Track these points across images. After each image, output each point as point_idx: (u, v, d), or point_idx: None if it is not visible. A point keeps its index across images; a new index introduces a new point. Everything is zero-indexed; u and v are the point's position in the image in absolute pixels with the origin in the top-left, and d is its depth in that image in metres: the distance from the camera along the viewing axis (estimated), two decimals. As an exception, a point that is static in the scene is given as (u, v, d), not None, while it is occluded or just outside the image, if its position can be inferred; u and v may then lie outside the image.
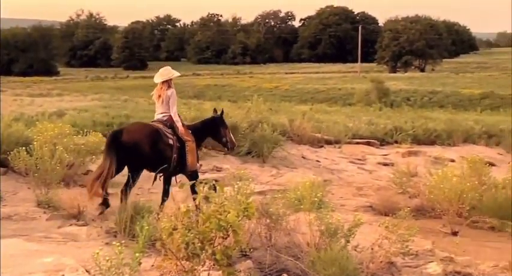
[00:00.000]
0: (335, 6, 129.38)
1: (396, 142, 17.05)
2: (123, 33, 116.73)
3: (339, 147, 15.47)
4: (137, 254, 4.09)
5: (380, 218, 8.02)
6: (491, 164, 13.16)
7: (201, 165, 8.70)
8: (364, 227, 6.68)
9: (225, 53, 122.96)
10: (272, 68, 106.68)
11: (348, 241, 5.83)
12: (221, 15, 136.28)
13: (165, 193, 7.65)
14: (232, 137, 8.40)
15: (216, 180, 6.49)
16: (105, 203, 7.36)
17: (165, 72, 7.95)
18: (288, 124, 15.29)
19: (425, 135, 17.79)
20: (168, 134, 7.50)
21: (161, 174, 7.57)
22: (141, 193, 7.46)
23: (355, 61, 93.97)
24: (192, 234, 3.93)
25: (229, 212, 3.86)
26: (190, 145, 7.71)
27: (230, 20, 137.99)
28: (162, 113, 7.79)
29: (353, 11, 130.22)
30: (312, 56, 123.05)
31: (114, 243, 4.21)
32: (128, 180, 7.31)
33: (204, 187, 4.14)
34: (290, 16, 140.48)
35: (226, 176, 9.36)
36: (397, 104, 42.01)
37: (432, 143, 17.65)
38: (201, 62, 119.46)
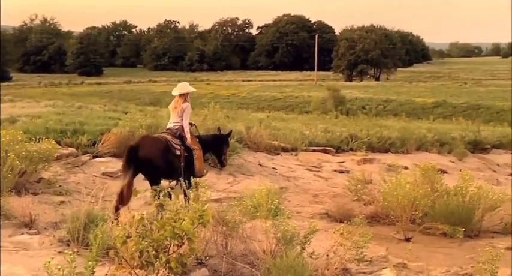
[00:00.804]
0: (292, 14, 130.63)
1: (351, 150, 17.23)
2: (78, 38, 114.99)
3: (296, 155, 15.54)
4: (90, 263, 4.01)
5: (335, 224, 8.09)
6: (444, 172, 13.49)
7: (207, 171, 9.33)
8: (319, 234, 6.72)
9: (182, 60, 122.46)
10: (229, 75, 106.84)
11: (304, 248, 5.86)
12: (178, 22, 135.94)
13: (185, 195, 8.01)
14: (227, 157, 9.46)
15: (171, 188, 6.45)
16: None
17: (183, 86, 8.84)
18: (244, 131, 15.27)
19: (379, 143, 18.04)
20: (175, 145, 8.21)
21: (172, 180, 8.26)
22: (94, 201, 7.33)
23: (312, 69, 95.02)
24: (146, 242, 3.88)
25: (184, 220, 3.82)
26: (198, 153, 8.49)
27: (187, 26, 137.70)
28: (174, 123, 8.57)
29: (310, 19, 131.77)
30: (269, 64, 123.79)
31: (66, 251, 4.12)
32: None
33: (159, 195, 4.09)
34: (247, 24, 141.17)
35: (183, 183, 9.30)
36: (352, 112, 42.61)
37: (386, 150, 17.90)
38: (158, 69, 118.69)
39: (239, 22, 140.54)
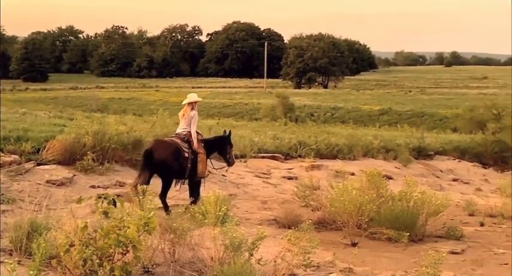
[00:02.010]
0: (242, 22, 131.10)
1: (300, 156, 17.40)
2: (22, 43, 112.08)
3: (245, 162, 15.57)
4: (32, 272, 3.90)
5: (284, 231, 8.13)
6: (389, 177, 13.79)
7: (208, 174, 10.30)
8: (268, 240, 6.75)
9: (130, 66, 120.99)
10: (179, 82, 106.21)
11: (252, 254, 5.86)
12: (126, 28, 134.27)
13: (196, 195, 9.44)
14: (233, 155, 10.38)
15: (119, 196, 6.36)
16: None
17: (192, 96, 9.86)
18: (193, 138, 15.21)
19: (327, 149, 18.29)
20: (184, 149, 9.28)
21: (179, 180, 9.51)
22: (38, 209, 7.15)
23: (262, 76, 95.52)
24: (89, 251, 3.80)
25: (128, 227, 3.77)
26: (202, 157, 9.50)
27: (136, 32, 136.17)
28: (182, 129, 9.62)
29: (259, 27, 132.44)
30: (218, 71, 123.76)
31: (7, 261, 4.00)
32: (163, 188, 9.18)
33: (102, 202, 4.03)
34: (197, 30, 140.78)
35: (130, 191, 9.20)
36: (301, 119, 43.05)
37: (334, 157, 18.16)
38: (105, 75, 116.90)
39: (188, 29, 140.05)
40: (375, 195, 9.46)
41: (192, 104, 9.69)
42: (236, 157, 15.62)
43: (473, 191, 16.64)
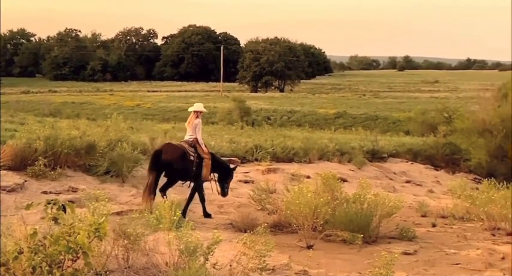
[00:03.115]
0: (198, 25, 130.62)
1: (256, 160, 17.44)
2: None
3: (201, 166, 15.50)
4: (-22, 282, 3.78)
5: (240, 234, 8.12)
6: (344, 180, 13.95)
7: (212, 178, 10.80)
8: (223, 244, 6.74)
9: (84, 70, 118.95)
10: (134, 85, 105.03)
11: (207, 259, 5.83)
12: (79, 31, 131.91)
13: (201, 197, 10.50)
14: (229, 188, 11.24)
15: (72, 202, 6.25)
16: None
17: (198, 105, 10.73)
18: (149, 143, 15.06)
19: (283, 153, 18.37)
20: (191, 153, 10.14)
21: (184, 182, 10.51)
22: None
23: (218, 80, 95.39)
24: (39, 258, 3.71)
25: (79, 233, 3.70)
26: (207, 161, 10.35)
27: (89, 35, 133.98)
28: (189, 136, 10.46)
29: (215, 31, 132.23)
30: (174, 75, 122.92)
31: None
32: (167, 184, 10.20)
33: (52, 208, 3.94)
34: (152, 34, 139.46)
35: (82, 196, 9.06)
36: (258, 123, 43.15)
37: (290, 160, 18.26)
38: (58, 79, 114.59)
39: (143, 32, 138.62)
40: (329, 197, 9.54)
41: (197, 113, 10.54)
42: (192, 161, 15.62)
43: (425, 193, 16.99)
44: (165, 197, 9.62)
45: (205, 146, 10.52)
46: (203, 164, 10.25)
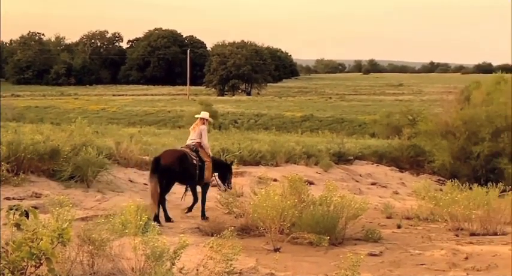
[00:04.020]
0: (163, 29, 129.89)
1: (223, 163, 17.40)
2: None
3: (167, 170, 15.39)
4: None
5: (207, 238, 8.08)
6: (310, 183, 14.05)
7: (213, 179, 11.40)
8: (190, 248, 6.70)
9: (48, 74, 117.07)
10: (99, 89, 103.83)
11: (173, 264, 5.80)
12: (43, 34, 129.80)
13: (194, 199, 11.04)
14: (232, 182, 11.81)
15: (35, 208, 6.14)
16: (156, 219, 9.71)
17: (205, 114, 11.41)
18: (114, 147, 14.91)
19: (250, 156, 18.40)
20: (192, 156, 10.64)
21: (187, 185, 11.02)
22: None
23: (184, 84, 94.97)
24: (1, 264, 3.63)
25: (42, 239, 3.64)
26: (208, 164, 10.90)
27: (53, 39, 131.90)
28: (191, 140, 11.03)
29: (181, 34, 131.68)
30: (140, 78, 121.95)
31: None
32: (164, 189, 10.44)
33: (14, 214, 3.86)
34: (117, 37, 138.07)
35: (46, 202, 8.92)
36: (225, 126, 43.11)
37: (257, 163, 18.29)
38: (21, 83, 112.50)
39: (108, 35, 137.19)
40: (296, 200, 9.59)
41: (203, 120, 11.21)
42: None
43: (390, 194, 17.21)
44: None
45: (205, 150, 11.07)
46: (205, 166, 10.81)
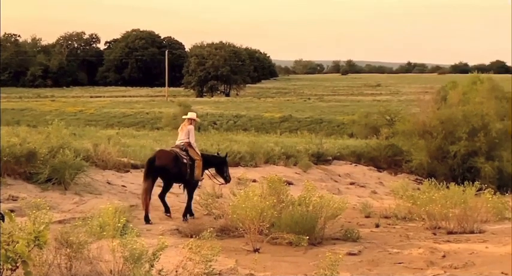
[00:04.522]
0: (141, 30, 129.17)
1: (202, 165, 17.35)
2: None
3: (146, 172, 15.30)
4: None
5: (186, 240, 8.06)
6: (289, 183, 14.07)
7: (203, 178, 11.78)
8: (169, 250, 6.69)
9: (24, 75, 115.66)
10: (76, 91, 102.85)
11: (152, 265, 5.78)
12: (19, 36, 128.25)
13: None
14: (230, 174, 12.17)
15: (12, 211, 6.08)
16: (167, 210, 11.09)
17: (192, 114, 11.81)
18: (92, 149, 14.79)
19: (230, 157, 18.34)
20: (183, 156, 11.06)
21: (180, 184, 11.42)
22: None
23: (163, 85, 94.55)
24: (-24, 269, 3.59)
25: (17, 242, 3.60)
26: (198, 163, 11.28)
27: (29, 40, 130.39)
28: (180, 140, 11.42)
29: (159, 35, 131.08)
30: (118, 80, 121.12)
31: None
32: (164, 189, 11.24)
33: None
34: (94, 38, 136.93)
35: (23, 205, 8.83)
36: (204, 128, 42.93)
37: (236, 164, 18.26)
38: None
39: (86, 36, 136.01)
40: (275, 201, 9.63)
41: (190, 120, 11.56)
42: (137, 167, 15.43)
43: (369, 194, 17.33)
44: (169, 212, 11.10)
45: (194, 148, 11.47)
46: (195, 165, 11.19)
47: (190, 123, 11.54)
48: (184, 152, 11.15)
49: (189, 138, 11.34)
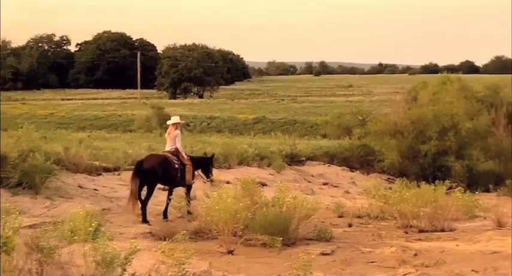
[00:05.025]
0: (113, 31, 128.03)
1: (176, 167, 17.27)
2: None
3: (118, 175, 15.19)
4: None
5: (159, 243, 8.03)
6: (263, 184, 14.10)
7: (194, 182, 12.02)
8: (142, 253, 6.65)
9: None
10: (47, 94, 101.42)
11: (125, 269, 5.74)
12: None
13: (169, 200, 11.49)
14: (213, 171, 12.60)
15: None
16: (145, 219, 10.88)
17: (175, 118, 12.01)
18: (63, 152, 14.61)
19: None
20: (174, 160, 11.27)
21: (168, 187, 11.66)
22: None
23: (135, 87, 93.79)
24: None
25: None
26: (189, 167, 11.55)
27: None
28: (170, 146, 11.62)
29: (131, 37, 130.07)
30: (89, 82, 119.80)
31: None
32: (148, 193, 11.12)
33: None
34: (65, 40, 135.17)
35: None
36: (177, 130, 42.69)
37: (210, 166, 18.21)
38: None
39: (56, 38, 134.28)
40: (249, 202, 9.64)
41: (175, 125, 11.72)
42: (109, 170, 15.30)
43: (342, 194, 17.46)
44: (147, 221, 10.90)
45: (185, 154, 11.81)
46: (186, 169, 11.47)
47: (176, 128, 11.71)
48: (175, 157, 11.39)
49: (176, 143, 11.58)
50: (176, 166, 11.29)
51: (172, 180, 11.35)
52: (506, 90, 25.06)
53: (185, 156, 11.69)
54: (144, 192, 11.25)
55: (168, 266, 5.92)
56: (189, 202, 11.46)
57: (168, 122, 12.04)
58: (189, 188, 11.86)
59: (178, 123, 11.92)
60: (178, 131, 11.72)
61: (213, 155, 13.31)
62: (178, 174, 11.32)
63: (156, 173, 11.02)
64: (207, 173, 12.38)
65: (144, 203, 11.00)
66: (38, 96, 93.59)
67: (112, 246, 5.85)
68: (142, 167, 11.01)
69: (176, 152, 11.53)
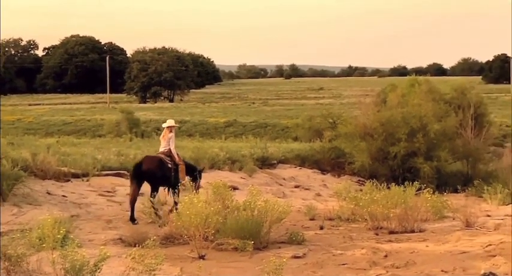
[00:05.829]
0: (81, 35, 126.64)
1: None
2: None
3: (87, 180, 15.00)
4: None
5: (130, 249, 7.93)
6: (235, 188, 14.08)
7: (186, 181, 12.20)
8: (112, 260, 6.58)
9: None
10: (14, 99, 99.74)
11: (94, 277, 5.66)
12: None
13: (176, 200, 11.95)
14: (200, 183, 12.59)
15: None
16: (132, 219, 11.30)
17: (170, 122, 12.64)
18: (30, 158, 14.36)
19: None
20: (168, 161, 11.88)
21: (165, 187, 12.16)
22: None
23: (104, 92, 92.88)
24: None
25: None
26: (182, 167, 12.12)
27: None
28: (164, 148, 12.21)
29: (100, 41, 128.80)
30: (57, 87, 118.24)
31: None
32: (152, 191, 11.84)
33: None
34: (32, 45, 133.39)
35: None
36: (147, 134, 42.37)
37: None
38: None
39: (23, 43, 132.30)
40: (220, 206, 9.62)
41: (170, 128, 12.32)
42: (77, 176, 15.10)
43: (313, 197, 17.51)
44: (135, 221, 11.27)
45: (178, 155, 12.32)
46: (179, 169, 12.00)
47: (171, 131, 12.32)
48: (168, 158, 11.97)
49: (170, 145, 12.13)
50: (169, 166, 11.82)
51: (168, 180, 11.85)
52: (473, 92, 25.48)
53: (178, 157, 12.21)
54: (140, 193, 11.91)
55: (139, 273, 5.86)
56: (176, 204, 11.76)
57: (164, 125, 12.56)
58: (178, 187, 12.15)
59: (173, 126, 12.53)
60: (172, 134, 12.31)
61: (203, 168, 14.05)
62: (172, 174, 11.82)
63: (155, 173, 11.61)
64: (195, 182, 12.17)
65: (152, 203, 11.44)
66: (4, 102, 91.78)
67: (81, 253, 5.78)
68: (141, 169, 11.56)
69: (169, 153, 12.04)
